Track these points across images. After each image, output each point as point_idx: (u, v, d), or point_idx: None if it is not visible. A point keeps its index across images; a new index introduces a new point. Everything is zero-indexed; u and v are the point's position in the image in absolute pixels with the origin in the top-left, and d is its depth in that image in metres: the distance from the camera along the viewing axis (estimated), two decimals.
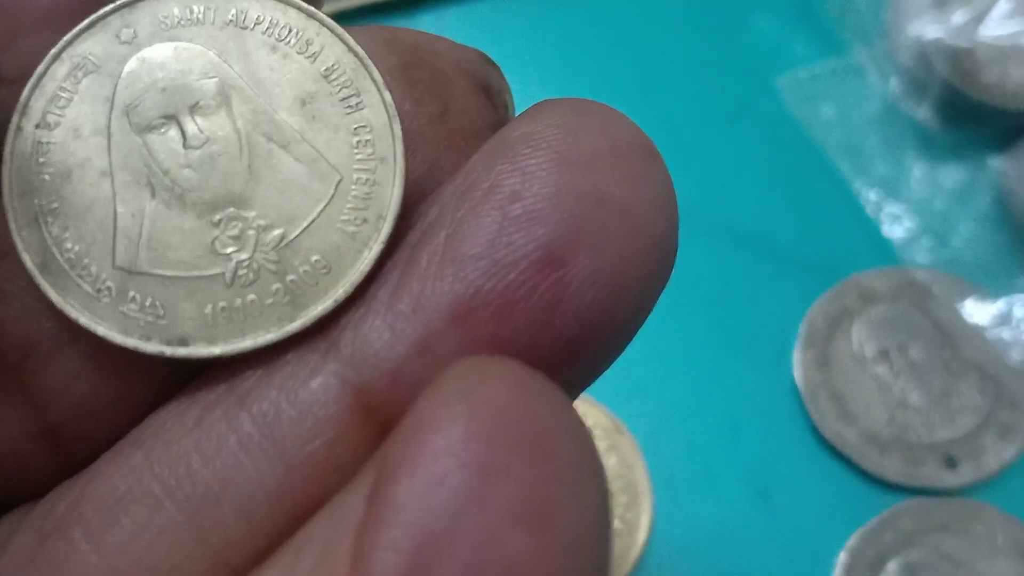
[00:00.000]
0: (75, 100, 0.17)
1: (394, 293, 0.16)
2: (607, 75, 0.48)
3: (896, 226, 0.44)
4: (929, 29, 0.46)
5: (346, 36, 0.17)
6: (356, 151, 0.17)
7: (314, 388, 0.16)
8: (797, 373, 0.41)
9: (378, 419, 0.15)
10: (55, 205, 0.16)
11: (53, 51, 0.17)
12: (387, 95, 0.17)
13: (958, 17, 0.45)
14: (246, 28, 0.17)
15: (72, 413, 0.17)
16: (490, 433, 0.13)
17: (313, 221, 0.16)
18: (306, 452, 0.15)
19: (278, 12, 0.17)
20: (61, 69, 0.17)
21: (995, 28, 0.45)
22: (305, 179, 0.16)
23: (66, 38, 0.17)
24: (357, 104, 0.17)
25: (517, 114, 0.17)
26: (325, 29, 0.17)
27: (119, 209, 0.16)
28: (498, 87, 0.19)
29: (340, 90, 0.17)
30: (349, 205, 0.16)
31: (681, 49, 0.48)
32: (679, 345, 0.41)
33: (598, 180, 0.15)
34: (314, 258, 0.16)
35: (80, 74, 0.17)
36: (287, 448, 0.15)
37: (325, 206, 0.16)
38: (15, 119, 0.17)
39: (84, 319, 0.16)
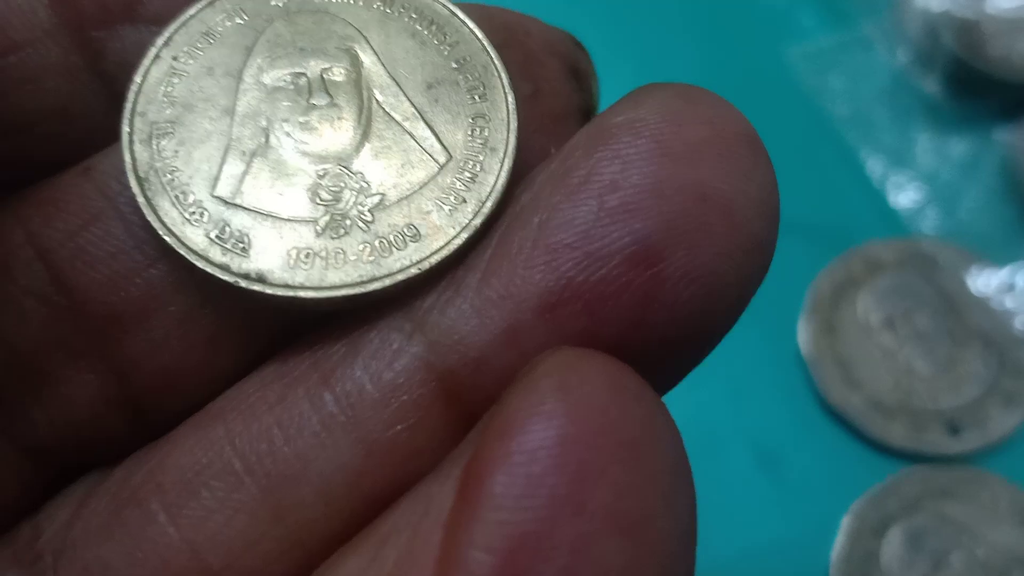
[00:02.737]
0: (216, 43, 0.18)
1: (483, 278, 0.15)
2: (614, 45, 0.47)
3: (903, 196, 0.44)
4: (936, 2, 0.46)
5: (483, 37, 0.18)
6: (470, 138, 0.17)
7: (398, 370, 0.15)
8: (803, 340, 0.41)
9: (460, 406, 0.15)
10: (172, 130, 0.17)
11: None
12: (511, 95, 0.17)
13: None
14: (391, 13, 0.18)
15: (155, 383, 0.17)
16: (588, 435, 0.12)
17: (414, 192, 0.17)
18: (388, 436, 0.15)
19: (424, 4, 0.18)
20: (212, 14, 0.18)
21: (1002, 1, 0.45)
22: (415, 153, 0.17)
23: None
24: (481, 96, 0.17)
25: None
26: (465, 27, 0.18)
27: (231, 145, 0.17)
28: (586, 70, 0.19)
29: (468, 81, 0.18)
30: (452, 184, 0.17)
31: (689, 19, 0.48)
32: None
33: (701, 174, 0.14)
34: (406, 226, 0.16)
35: (228, 23, 0.18)
36: (369, 431, 0.15)
37: (428, 181, 0.17)
38: (156, 48, 0.17)
39: (170, 238, 0.16)
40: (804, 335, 0.41)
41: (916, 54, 0.46)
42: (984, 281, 0.42)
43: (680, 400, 0.40)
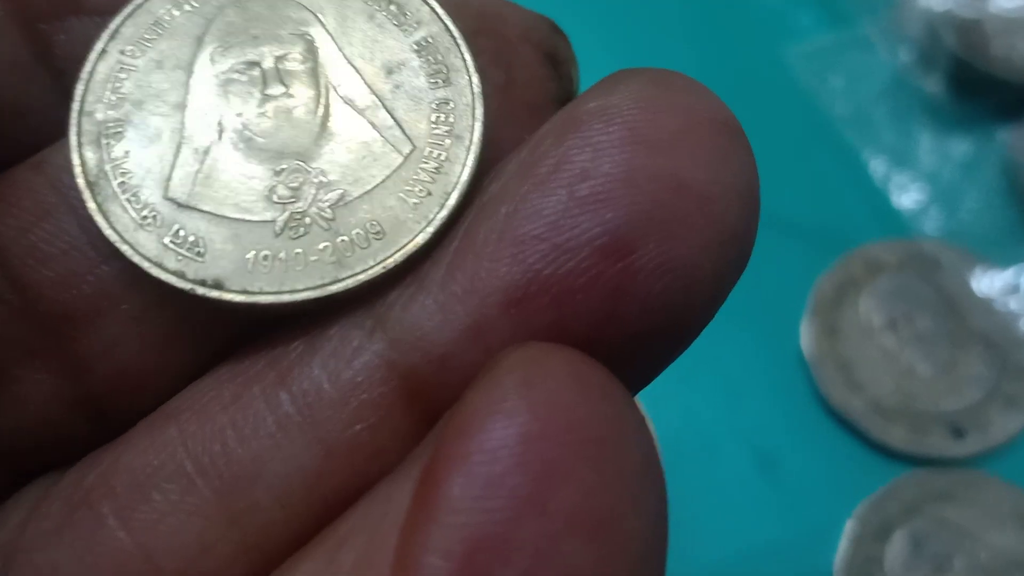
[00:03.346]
0: (165, 34, 0.17)
1: (447, 272, 0.15)
2: (611, 46, 0.47)
3: (904, 197, 0.44)
4: (937, 1, 0.46)
5: (445, 16, 0.17)
6: (434, 126, 0.16)
7: (358, 368, 0.15)
8: (804, 342, 0.41)
9: (424, 405, 0.15)
10: (121, 129, 0.16)
11: None
12: (475, 77, 0.16)
13: None
14: None
15: (111, 382, 0.16)
16: (552, 432, 0.12)
17: (376, 186, 0.16)
18: (347, 436, 0.15)
19: None
20: (160, 3, 0.17)
21: (1003, 0, 0.45)
22: (377, 145, 0.16)
23: None
24: (444, 81, 0.17)
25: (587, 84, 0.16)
26: (426, 7, 0.17)
27: (184, 143, 0.16)
28: (565, 57, 0.18)
29: (429, 65, 0.17)
30: (416, 176, 0.16)
31: (686, 18, 0.48)
32: None
33: (676, 162, 0.14)
34: (369, 222, 0.16)
35: (177, 12, 0.17)
36: (327, 431, 0.15)
37: (391, 173, 0.16)
38: (102, 43, 0.17)
39: (123, 245, 0.15)
40: (806, 337, 0.41)
41: (917, 54, 0.46)
42: (986, 283, 0.41)
43: (681, 402, 0.40)
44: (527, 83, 0.17)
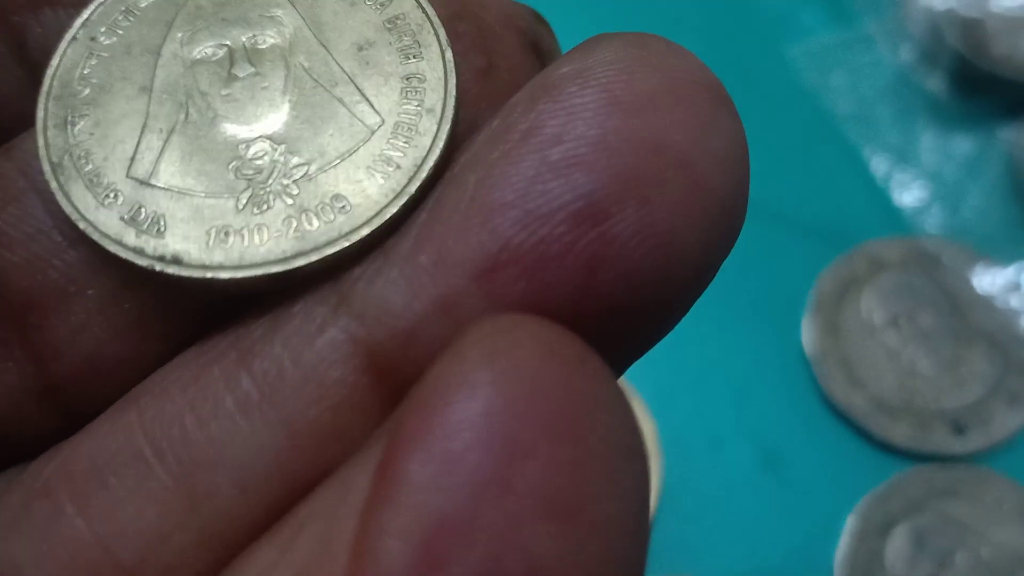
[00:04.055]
0: (136, 21, 0.17)
1: (415, 244, 0.14)
2: None
3: (906, 195, 0.44)
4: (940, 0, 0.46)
5: None
6: (404, 100, 0.16)
7: (321, 346, 0.14)
8: (806, 340, 0.41)
9: (391, 383, 0.14)
10: (88, 112, 0.16)
11: None
12: (448, 53, 0.16)
13: None
14: None
15: (77, 370, 0.16)
16: (518, 406, 0.11)
17: (343, 159, 0.15)
18: (310, 417, 0.14)
19: None
20: None
21: None
22: (344, 119, 0.16)
23: None
24: (415, 56, 0.16)
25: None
26: None
27: (148, 123, 0.16)
28: (549, 47, 0.17)
29: (400, 40, 0.16)
30: (385, 150, 0.15)
31: (689, 17, 0.48)
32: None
33: (653, 124, 0.13)
34: (334, 196, 0.15)
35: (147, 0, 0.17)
36: (289, 412, 0.14)
37: (359, 147, 0.16)
38: (74, 30, 0.17)
39: (83, 224, 0.15)
40: (808, 334, 0.41)
41: (919, 52, 0.46)
42: (989, 280, 0.41)
43: (683, 399, 0.40)
44: (508, 69, 0.17)
